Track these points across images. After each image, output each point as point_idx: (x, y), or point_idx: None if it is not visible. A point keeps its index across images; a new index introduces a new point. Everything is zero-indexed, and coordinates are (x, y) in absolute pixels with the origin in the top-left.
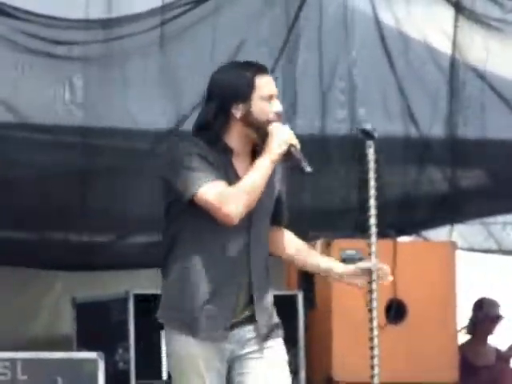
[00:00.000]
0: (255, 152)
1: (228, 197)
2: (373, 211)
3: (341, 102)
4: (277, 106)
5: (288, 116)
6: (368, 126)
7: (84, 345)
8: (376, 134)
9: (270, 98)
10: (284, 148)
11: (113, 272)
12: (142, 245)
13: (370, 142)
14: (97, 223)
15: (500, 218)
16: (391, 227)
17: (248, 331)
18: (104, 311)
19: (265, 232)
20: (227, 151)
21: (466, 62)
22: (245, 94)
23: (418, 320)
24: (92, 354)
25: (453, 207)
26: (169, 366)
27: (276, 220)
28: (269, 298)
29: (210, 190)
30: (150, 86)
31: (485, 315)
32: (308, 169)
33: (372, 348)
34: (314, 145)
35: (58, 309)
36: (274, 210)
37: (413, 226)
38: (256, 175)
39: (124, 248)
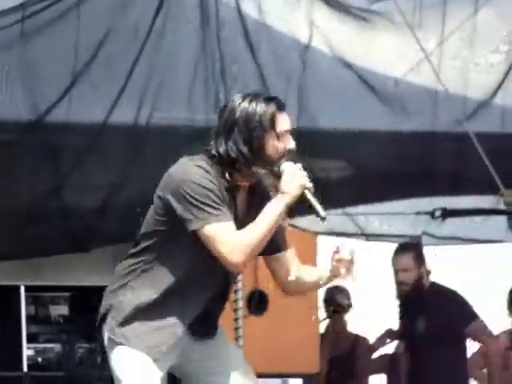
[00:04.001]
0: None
1: (238, 246)
2: None
3: (205, 93)
4: (291, 143)
5: (152, 106)
6: None
7: None
8: None
9: (286, 133)
10: (299, 191)
11: None
12: None
13: None
14: None
15: (362, 208)
16: None
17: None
18: None
19: None
20: (233, 186)
21: (334, 52)
22: (266, 128)
23: (280, 310)
24: None
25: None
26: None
27: (277, 248)
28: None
29: (219, 232)
30: (10, 79)
31: (337, 304)
32: (322, 213)
33: (237, 339)
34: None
35: None
36: (275, 238)
37: None
38: (267, 220)
39: None
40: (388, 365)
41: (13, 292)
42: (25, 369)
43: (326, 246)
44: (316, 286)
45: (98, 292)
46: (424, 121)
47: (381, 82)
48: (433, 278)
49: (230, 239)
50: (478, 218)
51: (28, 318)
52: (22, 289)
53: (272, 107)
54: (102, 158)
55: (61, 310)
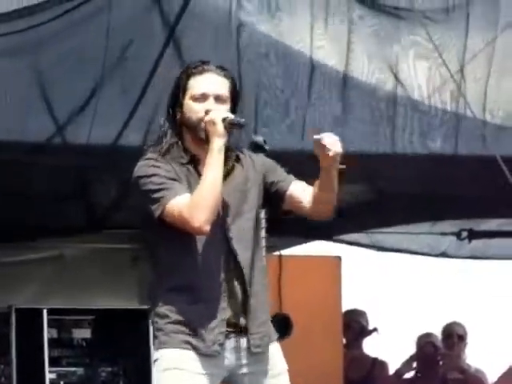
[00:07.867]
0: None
1: (193, 208)
2: (263, 224)
3: None
4: (208, 105)
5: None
6: (259, 138)
7: None
8: (267, 147)
9: (203, 96)
10: (222, 128)
11: None
12: None
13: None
14: None
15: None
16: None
17: (242, 342)
18: None
19: (248, 232)
20: (190, 159)
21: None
22: (179, 97)
23: (303, 335)
24: None
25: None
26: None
27: (282, 188)
28: (265, 304)
29: (176, 206)
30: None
31: (357, 326)
32: (243, 121)
33: None
34: None
35: None
36: (276, 190)
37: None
38: (208, 173)
39: None
40: None
41: (35, 315)
42: None
43: (349, 272)
44: (327, 185)
45: (120, 315)
46: (447, 144)
47: (410, 106)
48: None
49: (185, 207)
50: None
51: (50, 341)
52: (45, 312)
53: (185, 73)
54: None
55: (84, 333)
